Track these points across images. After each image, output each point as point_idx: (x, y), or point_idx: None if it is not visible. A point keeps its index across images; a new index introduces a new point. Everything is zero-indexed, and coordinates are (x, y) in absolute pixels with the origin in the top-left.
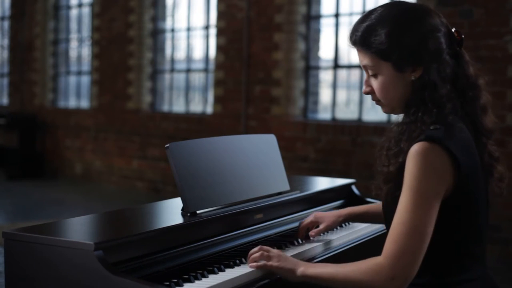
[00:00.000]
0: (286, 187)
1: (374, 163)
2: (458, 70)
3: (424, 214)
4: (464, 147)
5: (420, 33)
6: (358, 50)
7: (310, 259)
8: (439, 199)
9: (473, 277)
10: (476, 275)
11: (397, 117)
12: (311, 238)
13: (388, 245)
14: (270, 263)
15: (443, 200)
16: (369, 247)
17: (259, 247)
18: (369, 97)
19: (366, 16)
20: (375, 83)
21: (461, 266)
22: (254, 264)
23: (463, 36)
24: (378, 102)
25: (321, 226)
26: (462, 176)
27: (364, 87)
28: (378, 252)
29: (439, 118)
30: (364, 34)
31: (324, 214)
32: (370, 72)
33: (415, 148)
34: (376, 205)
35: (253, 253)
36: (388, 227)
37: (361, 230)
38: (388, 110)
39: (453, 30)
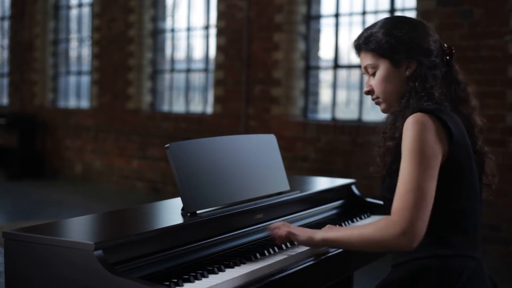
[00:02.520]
0: (286, 187)
1: (373, 151)
2: (449, 75)
3: (424, 172)
4: (455, 123)
5: (414, 32)
6: (361, 53)
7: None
8: (437, 160)
9: (462, 254)
10: (467, 253)
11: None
12: None
13: (394, 203)
14: (291, 230)
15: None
16: None
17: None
18: (369, 97)
19: (370, 26)
20: (374, 81)
21: (450, 241)
22: (278, 231)
23: (453, 49)
24: (377, 99)
25: None
26: (454, 146)
27: (365, 88)
28: None
29: (429, 101)
30: (366, 36)
31: None
32: (370, 72)
33: (410, 119)
34: None
35: (274, 226)
36: (384, 202)
37: None
38: (386, 107)
39: (445, 45)
